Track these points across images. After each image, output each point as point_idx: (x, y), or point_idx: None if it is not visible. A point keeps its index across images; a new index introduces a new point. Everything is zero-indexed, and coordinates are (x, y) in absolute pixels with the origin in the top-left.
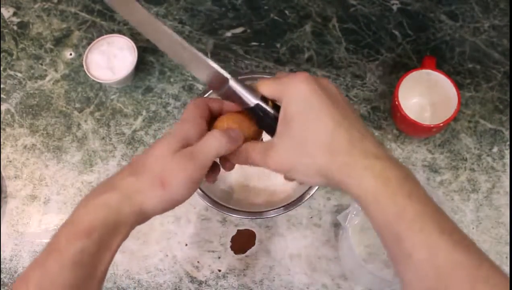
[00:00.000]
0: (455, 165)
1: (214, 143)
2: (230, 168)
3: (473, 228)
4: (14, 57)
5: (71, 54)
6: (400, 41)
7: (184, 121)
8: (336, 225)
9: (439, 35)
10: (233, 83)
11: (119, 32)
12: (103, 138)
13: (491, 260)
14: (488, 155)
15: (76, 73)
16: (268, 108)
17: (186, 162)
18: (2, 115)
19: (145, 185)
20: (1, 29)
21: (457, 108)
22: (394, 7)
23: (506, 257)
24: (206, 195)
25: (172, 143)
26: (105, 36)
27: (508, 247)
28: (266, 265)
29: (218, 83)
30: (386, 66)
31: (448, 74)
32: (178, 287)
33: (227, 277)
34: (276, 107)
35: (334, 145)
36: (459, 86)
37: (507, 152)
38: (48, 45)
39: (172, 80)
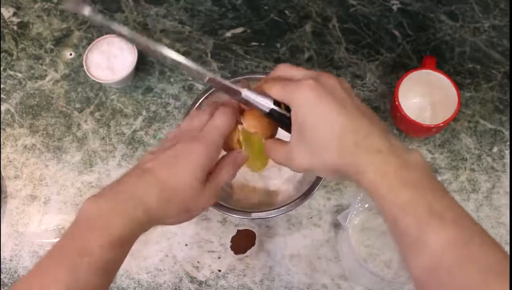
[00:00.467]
0: (455, 165)
1: (228, 174)
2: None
3: None
4: (14, 57)
5: (71, 54)
6: (400, 41)
7: (211, 145)
8: (336, 225)
9: (439, 35)
10: (246, 94)
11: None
12: (103, 138)
13: (484, 237)
14: (488, 155)
15: (76, 73)
16: (282, 112)
17: (211, 197)
18: (2, 115)
19: (173, 212)
20: (1, 29)
21: (457, 108)
22: (394, 7)
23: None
24: None
25: (200, 172)
26: (105, 36)
27: (508, 247)
28: (266, 265)
29: (232, 95)
30: (386, 66)
31: (448, 74)
32: (178, 287)
33: (227, 277)
34: (288, 108)
35: (342, 148)
36: (459, 86)
37: (507, 152)
38: (48, 45)
39: (172, 80)
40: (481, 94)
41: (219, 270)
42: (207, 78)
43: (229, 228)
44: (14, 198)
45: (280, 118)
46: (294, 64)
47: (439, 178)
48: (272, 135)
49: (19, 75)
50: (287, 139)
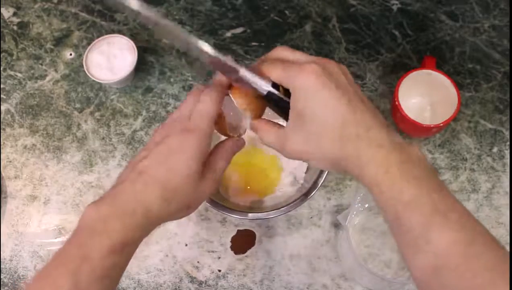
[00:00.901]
0: (455, 165)
1: (226, 162)
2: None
3: None
4: (14, 57)
5: (71, 54)
6: (400, 41)
7: (200, 133)
8: (336, 225)
9: (439, 35)
10: (244, 74)
11: (119, 32)
12: (103, 138)
13: (486, 236)
14: (488, 155)
15: (76, 73)
16: (280, 95)
17: (210, 187)
18: (2, 115)
19: (174, 210)
20: (1, 29)
21: (457, 108)
22: (394, 7)
23: None
24: None
25: (196, 164)
26: (105, 36)
27: (508, 247)
28: (266, 265)
29: (229, 72)
30: (386, 66)
31: (448, 74)
32: (178, 287)
33: (227, 277)
34: (287, 92)
35: (343, 139)
36: (459, 86)
37: (507, 152)
38: (48, 45)
39: (172, 80)
40: (481, 94)
41: (219, 270)
42: (206, 54)
43: (229, 228)
44: (14, 198)
45: (277, 101)
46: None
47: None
48: (260, 116)
49: (19, 75)
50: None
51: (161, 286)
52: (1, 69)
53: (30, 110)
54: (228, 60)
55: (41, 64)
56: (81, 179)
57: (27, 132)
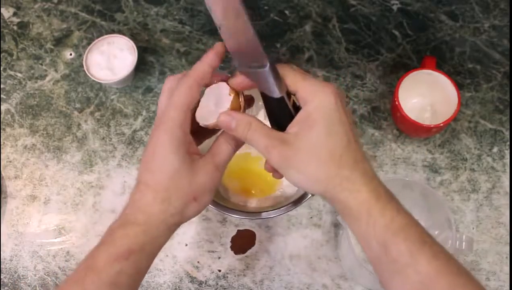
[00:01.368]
0: (455, 165)
1: (230, 147)
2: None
3: (473, 228)
4: (14, 57)
5: (71, 54)
6: (400, 41)
7: (171, 126)
8: (336, 225)
9: (439, 35)
10: (268, 70)
11: (119, 32)
12: (103, 138)
13: (468, 270)
14: (488, 155)
15: (76, 73)
16: (289, 106)
17: (212, 174)
18: (2, 115)
19: (180, 207)
20: (1, 29)
21: (457, 108)
22: (394, 7)
23: (506, 257)
24: None
25: (177, 155)
26: (105, 36)
27: (508, 247)
28: (266, 265)
29: (253, 62)
30: (386, 66)
31: (448, 74)
32: (178, 287)
33: (227, 277)
34: (294, 107)
35: (343, 160)
36: (459, 86)
37: (507, 152)
38: (48, 45)
39: None
40: (481, 94)
41: (219, 270)
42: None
43: (229, 228)
44: (14, 198)
45: (278, 109)
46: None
47: (439, 178)
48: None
49: (19, 75)
50: None
51: (161, 286)
52: (1, 69)
53: (30, 110)
54: (262, 48)
55: (41, 64)
56: (81, 179)
57: (27, 132)
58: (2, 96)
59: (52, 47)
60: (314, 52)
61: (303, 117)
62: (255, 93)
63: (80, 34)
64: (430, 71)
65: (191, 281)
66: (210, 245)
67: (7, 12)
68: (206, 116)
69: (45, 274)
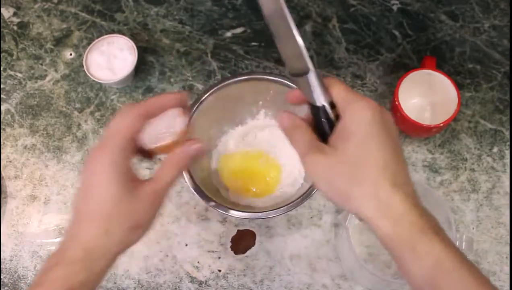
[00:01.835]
0: (455, 165)
1: (171, 175)
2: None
3: (473, 228)
4: (14, 57)
5: (71, 54)
6: (400, 41)
7: (115, 151)
8: (336, 225)
9: (439, 35)
10: (311, 76)
11: (119, 32)
12: None
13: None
14: (488, 155)
15: (76, 73)
16: (331, 116)
17: (154, 201)
18: (2, 115)
19: (123, 236)
20: (1, 29)
21: (457, 108)
22: (394, 7)
23: (506, 257)
24: (206, 196)
25: (117, 182)
26: (105, 36)
27: (508, 247)
28: (266, 265)
29: (298, 69)
30: (386, 66)
31: (448, 74)
32: (178, 287)
33: (227, 277)
34: (336, 117)
35: (381, 179)
36: (459, 86)
37: (507, 152)
38: (48, 45)
39: (172, 80)
40: (481, 94)
41: (219, 270)
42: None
43: (229, 228)
44: (14, 198)
45: (320, 118)
46: None
47: (439, 178)
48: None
49: (19, 75)
50: None
51: (161, 286)
52: (1, 69)
53: (30, 110)
54: (306, 54)
55: (41, 64)
56: None
57: (27, 132)
58: (2, 96)
59: (52, 47)
60: (314, 52)
61: (340, 129)
62: None
63: (80, 34)
64: (430, 71)
65: (191, 281)
66: (210, 245)
67: (7, 12)
68: (154, 139)
69: None
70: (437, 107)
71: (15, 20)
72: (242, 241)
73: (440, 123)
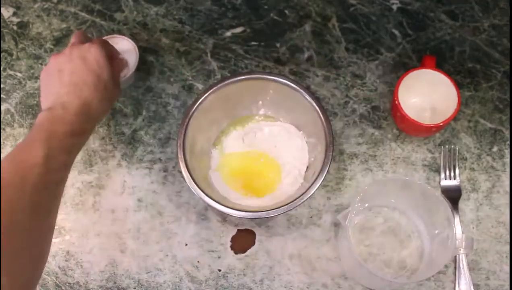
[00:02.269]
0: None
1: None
2: None
3: (473, 228)
4: (14, 57)
5: None
6: (400, 40)
7: (102, 45)
8: (336, 225)
9: (439, 34)
10: None
11: (119, 32)
12: (103, 138)
13: None
14: (488, 155)
15: None
16: None
17: (119, 91)
18: (2, 115)
19: (107, 103)
20: (1, 29)
21: (457, 107)
22: (394, 7)
23: (506, 257)
24: (206, 195)
25: (109, 63)
26: (109, 37)
27: (508, 247)
28: (266, 265)
29: None
30: (386, 65)
31: (448, 73)
32: (178, 287)
33: (227, 276)
34: None
35: None
36: (459, 85)
37: (507, 152)
38: (48, 45)
39: (172, 80)
40: (481, 93)
41: (219, 270)
42: None
43: (229, 228)
44: None
45: None
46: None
47: (439, 178)
48: None
49: (19, 75)
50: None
51: (161, 286)
52: (1, 69)
53: (30, 110)
54: None
55: (41, 64)
56: (81, 179)
57: (27, 132)
58: (2, 96)
59: (52, 47)
60: (313, 51)
61: None
62: None
63: None
64: (430, 70)
65: (191, 281)
66: (210, 244)
67: (7, 12)
68: None
69: (45, 273)
70: (437, 106)
71: (15, 20)
72: (242, 241)
73: (440, 123)
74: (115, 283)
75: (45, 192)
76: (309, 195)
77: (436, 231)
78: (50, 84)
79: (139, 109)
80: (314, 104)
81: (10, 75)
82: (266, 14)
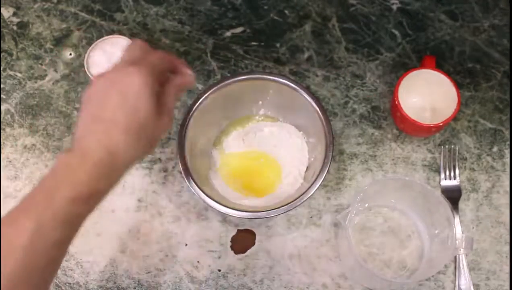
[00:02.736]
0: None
1: (175, 99)
2: None
3: (473, 228)
4: (14, 57)
5: (71, 54)
6: (400, 40)
7: (150, 70)
8: (336, 225)
9: (439, 34)
10: None
11: (119, 32)
12: None
13: None
14: (488, 155)
15: (76, 73)
16: None
17: (167, 124)
18: (2, 115)
19: (141, 149)
20: (1, 29)
21: (457, 107)
22: (394, 7)
23: (506, 257)
24: (206, 195)
25: (154, 98)
26: (109, 37)
27: (508, 247)
28: (266, 265)
29: None
30: (386, 65)
31: (448, 73)
32: (178, 287)
33: (227, 277)
34: None
35: None
36: (459, 85)
37: (507, 152)
38: (48, 45)
39: None
40: (481, 93)
41: (219, 270)
42: None
43: (229, 228)
44: (14, 199)
45: None
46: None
47: (439, 178)
48: None
49: (19, 75)
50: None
51: (161, 286)
52: (1, 69)
53: (30, 110)
54: None
55: (41, 64)
56: None
57: (27, 132)
58: (2, 96)
59: (51, 47)
60: (313, 51)
61: None
62: None
63: (79, 34)
64: (430, 70)
65: (191, 281)
66: (210, 244)
67: (6, 12)
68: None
69: None
70: (437, 106)
71: (15, 20)
72: (242, 241)
73: (440, 123)
74: (115, 283)
75: (24, 285)
76: (309, 195)
77: (436, 231)
78: (83, 110)
79: None
80: (314, 104)
81: (10, 75)
82: (266, 14)
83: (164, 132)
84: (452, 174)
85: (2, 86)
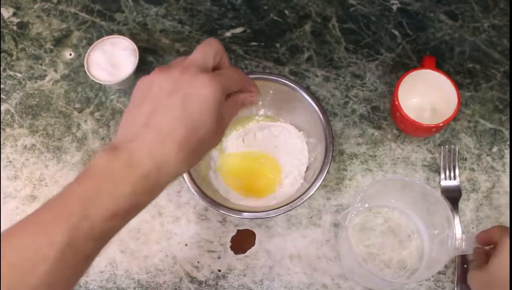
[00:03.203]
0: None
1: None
2: None
3: (473, 228)
4: (14, 57)
5: (70, 54)
6: (399, 41)
7: (221, 85)
8: (336, 225)
9: (439, 35)
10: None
11: (119, 32)
12: (103, 138)
13: None
14: (488, 155)
15: (76, 73)
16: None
17: (219, 139)
18: (2, 115)
19: (190, 166)
20: (1, 29)
21: (457, 108)
22: (394, 7)
23: None
24: (206, 195)
25: (217, 115)
26: (109, 37)
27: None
28: (266, 265)
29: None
30: (386, 66)
31: (448, 74)
32: (178, 287)
33: (227, 277)
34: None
35: None
36: (459, 86)
37: (507, 152)
38: (48, 45)
39: None
40: (481, 93)
41: (219, 270)
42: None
43: (229, 228)
44: (14, 199)
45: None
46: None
47: (439, 178)
48: None
49: (19, 75)
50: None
51: (161, 286)
52: (1, 69)
53: (30, 110)
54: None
55: (41, 64)
56: None
57: (27, 132)
58: (2, 96)
59: (51, 47)
60: (313, 52)
61: (491, 273)
62: None
63: (79, 34)
64: (429, 70)
65: (191, 281)
66: (210, 245)
67: (6, 12)
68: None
69: None
70: (437, 106)
71: (15, 20)
72: (242, 241)
73: (440, 123)
74: (115, 283)
75: None
76: (309, 195)
77: (436, 231)
78: (135, 104)
79: None
80: (314, 105)
81: (10, 75)
82: (266, 15)
83: (214, 147)
84: (452, 174)
85: (2, 86)
